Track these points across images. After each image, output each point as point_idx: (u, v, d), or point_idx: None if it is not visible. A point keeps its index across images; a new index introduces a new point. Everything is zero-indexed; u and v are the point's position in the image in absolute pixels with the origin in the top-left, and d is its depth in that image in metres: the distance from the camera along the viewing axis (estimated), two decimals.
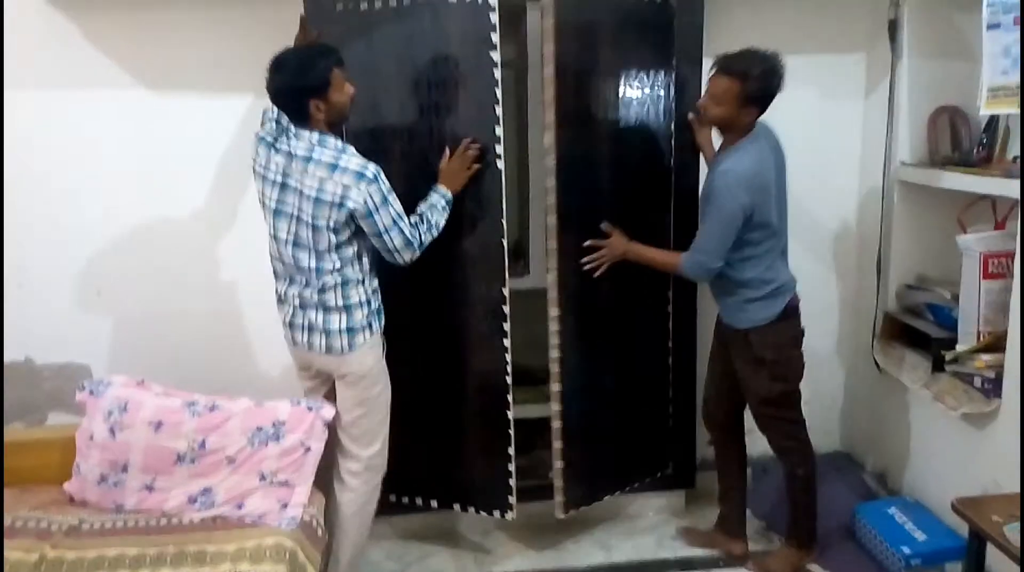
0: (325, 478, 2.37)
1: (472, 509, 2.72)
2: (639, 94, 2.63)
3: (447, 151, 2.41)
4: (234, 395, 2.36)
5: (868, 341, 2.92)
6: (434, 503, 2.75)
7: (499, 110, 2.41)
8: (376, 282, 2.32)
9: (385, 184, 2.15)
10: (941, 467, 2.60)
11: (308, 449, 2.28)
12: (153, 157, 2.74)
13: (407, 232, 2.21)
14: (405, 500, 2.77)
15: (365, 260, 2.26)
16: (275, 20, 2.50)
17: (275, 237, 2.23)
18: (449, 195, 2.35)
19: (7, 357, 2.78)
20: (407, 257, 2.25)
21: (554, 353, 2.56)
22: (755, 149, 2.33)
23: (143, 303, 2.83)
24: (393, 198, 2.18)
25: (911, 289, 2.78)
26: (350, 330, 2.24)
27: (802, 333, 2.51)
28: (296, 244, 2.19)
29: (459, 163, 2.39)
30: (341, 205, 2.10)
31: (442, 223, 2.33)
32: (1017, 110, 2.11)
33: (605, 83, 2.56)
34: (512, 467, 2.62)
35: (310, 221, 2.14)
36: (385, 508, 2.58)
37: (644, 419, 2.89)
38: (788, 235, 2.51)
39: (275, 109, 2.16)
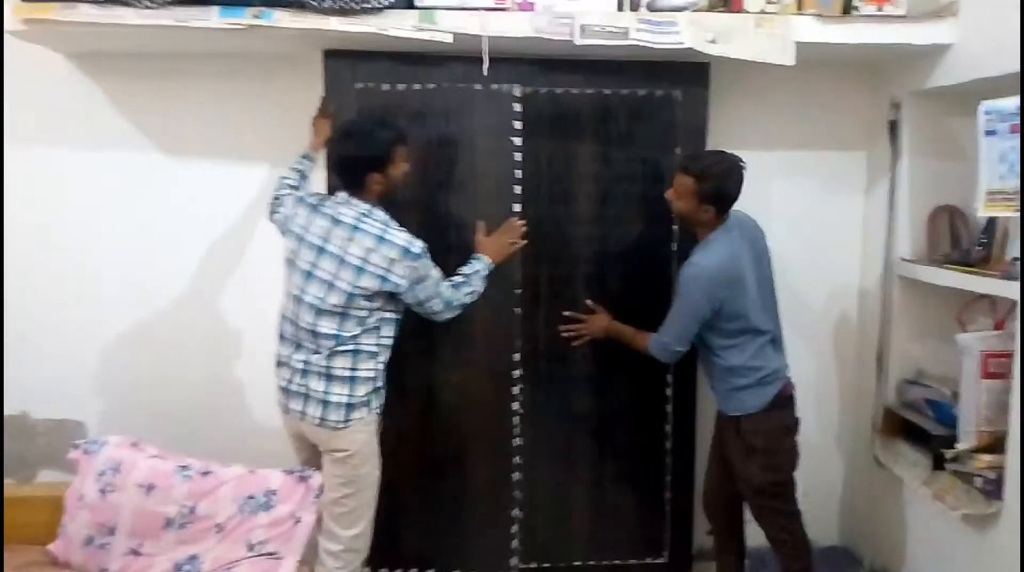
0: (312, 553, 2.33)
1: None
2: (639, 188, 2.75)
3: (482, 225, 2.50)
4: (227, 460, 2.35)
5: (867, 435, 2.91)
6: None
7: (518, 189, 2.57)
8: (387, 357, 2.30)
9: (429, 260, 2.22)
10: (941, 568, 2.55)
11: (298, 520, 2.26)
12: (160, 220, 2.80)
13: (446, 296, 2.28)
14: None
15: (383, 333, 2.26)
16: (293, 96, 2.61)
17: (299, 299, 2.21)
18: (492, 265, 2.42)
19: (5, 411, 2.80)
20: (446, 317, 2.32)
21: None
22: (723, 242, 2.40)
23: (141, 363, 2.84)
24: (436, 270, 2.26)
25: (910, 384, 2.79)
26: (349, 405, 2.22)
27: (796, 422, 2.52)
28: (319, 310, 2.18)
29: (508, 237, 2.48)
30: (384, 278, 2.15)
31: (481, 290, 2.39)
32: (1014, 214, 2.16)
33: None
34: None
35: (347, 288, 2.15)
36: None
37: (634, 501, 2.89)
38: (781, 324, 2.54)
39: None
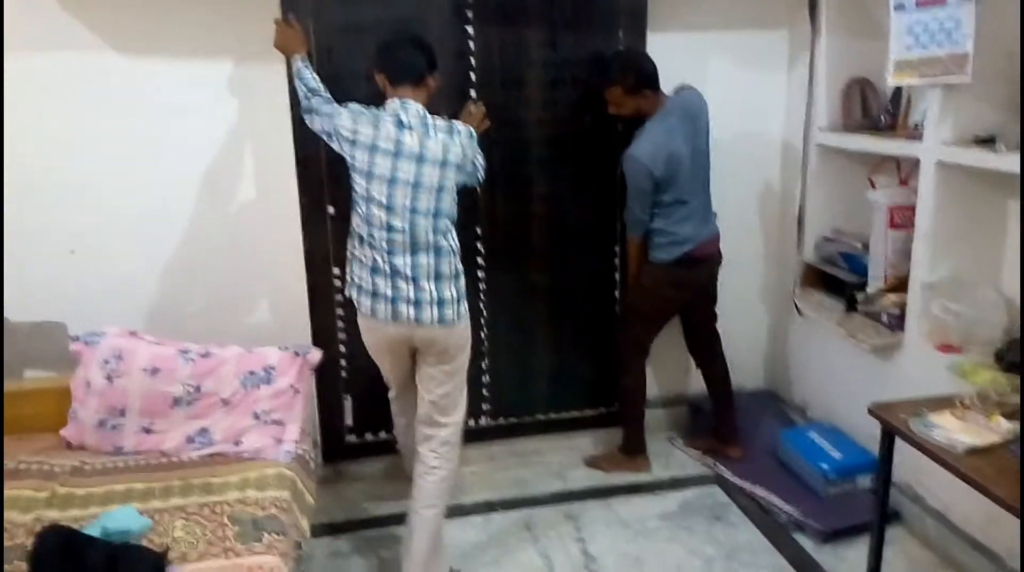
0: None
1: None
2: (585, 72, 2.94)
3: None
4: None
5: (790, 288, 3.28)
6: None
7: (473, 76, 2.77)
8: None
9: None
10: (854, 395, 2.93)
11: (297, 391, 2.46)
12: (143, 124, 2.79)
13: (483, 169, 2.54)
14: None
15: (456, 231, 2.39)
16: None
17: (388, 206, 2.25)
18: None
19: None
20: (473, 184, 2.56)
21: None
22: (655, 130, 2.76)
23: (117, 261, 2.90)
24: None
25: (827, 241, 3.14)
26: (458, 299, 2.34)
27: (693, 283, 2.96)
28: (415, 210, 2.26)
29: (473, 121, 2.57)
30: (459, 165, 2.31)
31: None
32: (919, 81, 2.45)
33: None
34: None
35: (433, 183, 2.26)
36: None
37: (586, 360, 3.24)
38: (710, 193, 2.94)
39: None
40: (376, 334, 2.40)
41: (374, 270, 2.31)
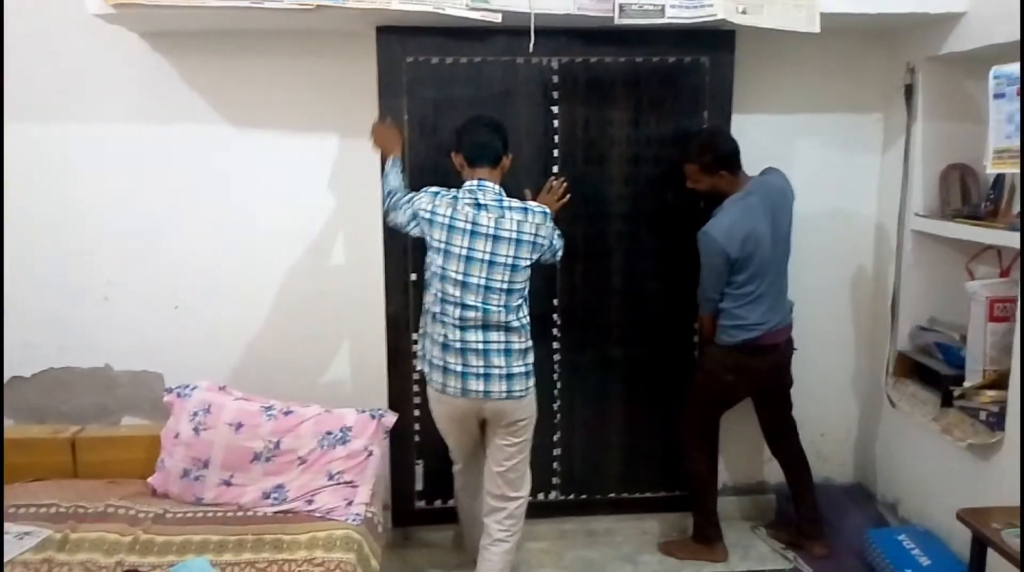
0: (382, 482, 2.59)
1: None
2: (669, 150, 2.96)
3: (527, 192, 2.68)
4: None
5: (881, 378, 3.14)
6: None
7: (556, 153, 2.85)
8: None
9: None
10: (948, 495, 2.77)
11: (371, 453, 2.52)
12: (232, 187, 3.01)
13: (562, 244, 2.62)
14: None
15: (526, 307, 2.47)
16: (348, 69, 2.85)
17: (464, 283, 2.35)
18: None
19: (89, 364, 3.07)
20: (556, 260, 2.63)
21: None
22: (732, 209, 2.73)
23: (214, 317, 3.08)
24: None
25: (923, 330, 3.01)
26: (527, 374, 2.44)
27: (757, 372, 2.86)
28: (488, 287, 2.36)
29: (552, 196, 2.69)
30: (534, 243, 2.40)
31: None
32: (1019, 171, 2.36)
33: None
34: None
35: (507, 261, 2.36)
36: None
37: (662, 440, 3.15)
38: (787, 280, 2.86)
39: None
40: (446, 407, 2.47)
41: (445, 346, 2.38)
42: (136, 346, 3.08)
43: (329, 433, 2.50)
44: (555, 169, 2.88)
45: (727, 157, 2.75)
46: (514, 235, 2.35)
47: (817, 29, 2.59)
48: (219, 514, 2.43)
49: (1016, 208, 2.63)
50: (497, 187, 2.42)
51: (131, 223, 3.00)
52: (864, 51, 3.08)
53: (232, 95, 2.95)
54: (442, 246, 2.36)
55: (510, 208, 2.39)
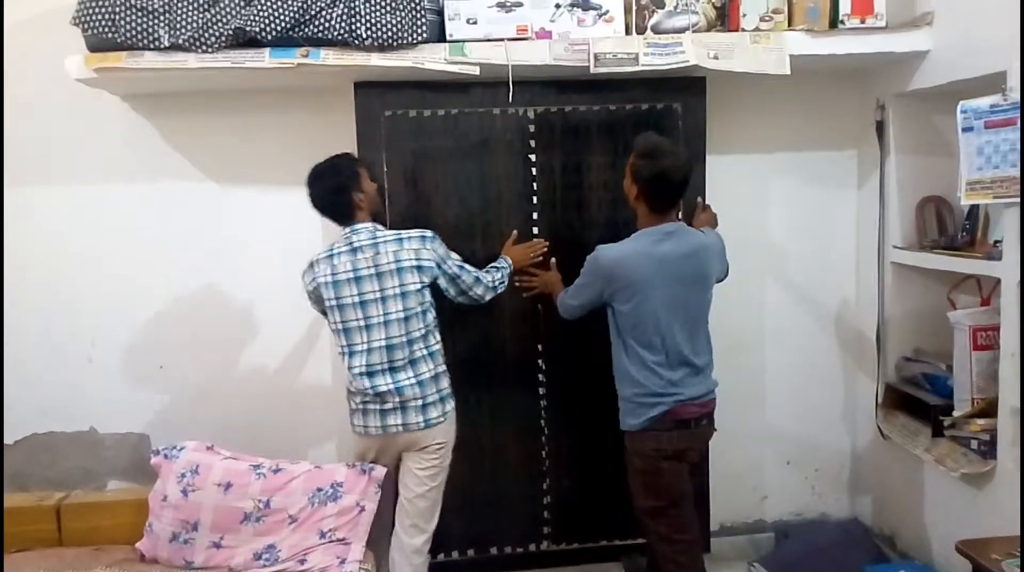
0: (376, 539, 2.55)
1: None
2: None
3: (514, 233, 2.81)
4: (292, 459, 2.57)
5: (871, 410, 3.15)
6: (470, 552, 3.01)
7: (535, 199, 2.86)
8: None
9: (441, 242, 2.53)
10: (945, 526, 2.77)
11: (363, 509, 2.48)
12: (214, 245, 3.01)
13: (474, 273, 2.57)
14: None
15: (435, 335, 2.52)
16: (326, 124, 2.87)
17: (366, 326, 2.41)
18: (512, 267, 2.73)
19: (73, 428, 3.04)
20: (480, 292, 2.59)
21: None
22: (634, 243, 2.42)
23: (199, 376, 3.06)
24: (452, 253, 2.58)
25: (909, 361, 3.02)
26: (442, 400, 2.48)
27: (684, 450, 2.44)
28: (386, 322, 2.40)
29: (531, 250, 2.81)
30: (418, 266, 2.42)
31: (506, 283, 2.70)
32: (992, 201, 2.41)
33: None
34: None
35: (396, 291, 2.40)
36: None
37: None
38: (704, 353, 2.49)
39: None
40: (371, 452, 2.54)
41: (362, 392, 2.45)
42: (121, 407, 3.04)
43: (320, 489, 2.46)
44: (534, 215, 2.90)
45: (654, 185, 2.38)
46: (393, 266, 2.40)
47: (787, 71, 2.65)
48: None
49: (992, 238, 2.68)
50: (370, 225, 2.47)
51: (115, 283, 2.99)
52: (835, 89, 3.15)
53: (214, 153, 2.97)
54: (334, 302, 2.42)
55: (384, 241, 2.44)
